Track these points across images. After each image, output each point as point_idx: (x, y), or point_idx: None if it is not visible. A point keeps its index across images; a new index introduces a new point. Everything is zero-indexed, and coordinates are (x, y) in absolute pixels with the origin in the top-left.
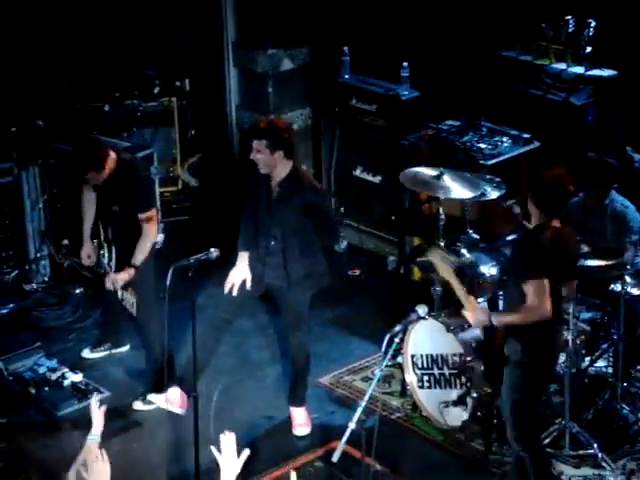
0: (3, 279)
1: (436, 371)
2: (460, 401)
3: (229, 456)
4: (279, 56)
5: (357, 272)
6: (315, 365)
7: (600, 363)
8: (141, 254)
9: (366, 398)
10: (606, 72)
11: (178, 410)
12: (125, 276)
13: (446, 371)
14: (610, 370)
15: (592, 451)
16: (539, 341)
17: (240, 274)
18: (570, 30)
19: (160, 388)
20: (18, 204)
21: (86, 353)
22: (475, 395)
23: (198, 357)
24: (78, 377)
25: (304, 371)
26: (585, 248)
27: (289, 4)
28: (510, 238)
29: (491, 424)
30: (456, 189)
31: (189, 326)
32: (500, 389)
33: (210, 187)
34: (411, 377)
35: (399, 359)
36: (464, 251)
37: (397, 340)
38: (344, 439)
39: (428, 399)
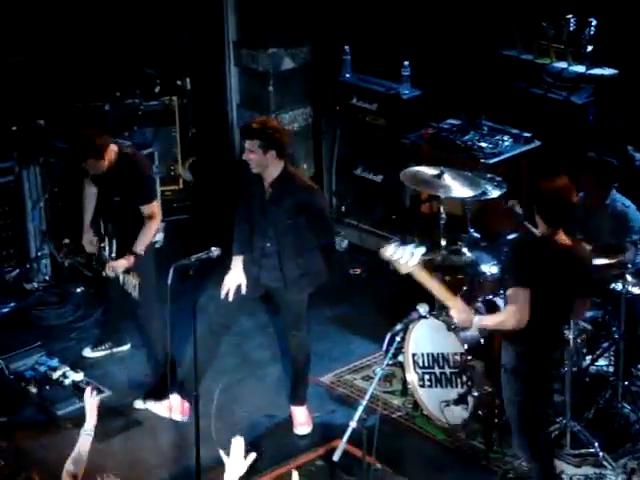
0: (4, 278)
1: (437, 370)
2: (461, 400)
3: (236, 460)
4: (280, 55)
5: (358, 271)
6: (316, 364)
7: (601, 362)
8: (142, 243)
9: (367, 397)
10: (607, 71)
11: (178, 417)
12: (124, 262)
13: (447, 370)
14: (611, 369)
15: (593, 450)
16: (531, 355)
17: (235, 278)
18: (571, 29)
19: (161, 390)
20: (19, 203)
21: (87, 352)
22: (476, 394)
23: (199, 361)
24: (79, 376)
25: (304, 370)
26: (586, 247)
27: (290, 3)
28: (511, 237)
29: (492, 423)
30: (457, 188)
31: (191, 326)
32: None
33: (211, 186)
34: (412, 376)
35: (400, 358)
36: (465, 250)
37: (398, 339)
38: (345, 438)
39: (429, 398)
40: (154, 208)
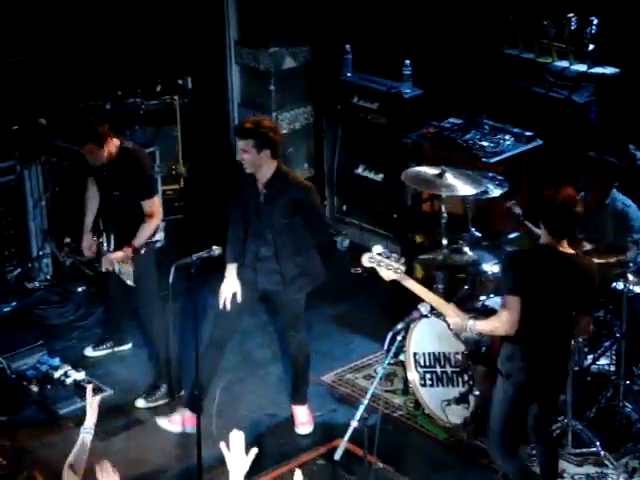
0: (6, 277)
1: (438, 369)
2: (462, 399)
3: (237, 454)
4: (281, 54)
5: (359, 270)
6: (317, 363)
7: (603, 361)
8: (141, 238)
9: (368, 396)
10: (609, 70)
11: (190, 430)
12: (122, 254)
13: (448, 369)
14: (613, 368)
15: (595, 449)
16: (527, 362)
17: (230, 287)
18: (572, 28)
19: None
20: (21, 202)
21: (88, 351)
22: (477, 393)
23: (203, 373)
24: (80, 375)
25: (305, 370)
26: (587, 246)
27: (291, 2)
28: (512, 236)
29: None
30: (458, 187)
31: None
32: None
33: (211, 185)
34: (413, 375)
35: (401, 357)
36: (466, 249)
37: (399, 338)
38: (346, 437)
39: (430, 397)
40: (155, 204)
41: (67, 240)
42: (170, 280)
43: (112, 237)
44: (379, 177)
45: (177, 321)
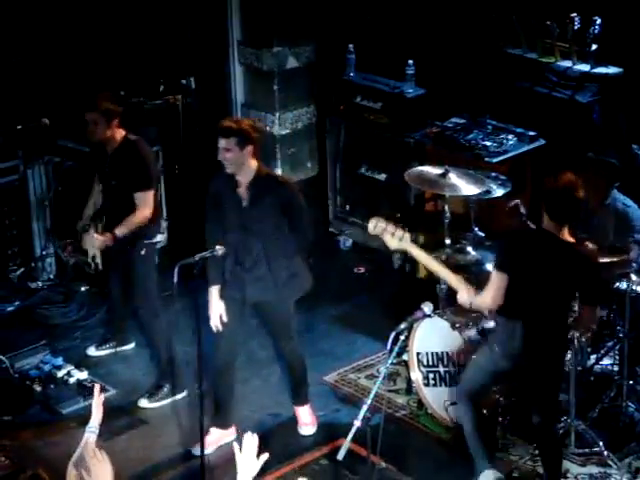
0: (9, 277)
1: (441, 369)
2: None
3: (248, 457)
4: (284, 54)
5: (362, 270)
6: (320, 363)
7: (606, 361)
8: (125, 227)
9: (371, 396)
10: (612, 70)
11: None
12: (102, 239)
13: (451, 369)
14: (616, 368)
15: (598, 449)
16: (502, 335)
17: (216, 309)
18: (576, 28)
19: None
20: (24, 202)
21: (91, 351)
22: None
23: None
24: (83, 375)
25: (302, 374)
26: (590, 245)
27: (294, 2)
28: None
29: (496, 422)
30: (461, 187)
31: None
32: (505, 388)
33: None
34: (416, 375)
35: (404, 357)
36: (469, 249)
37: (402, 338)
38: (349, 437)
39: (433, 397)
40: (147, 198)
41: (70, 240)
42: (175, 280)
43: (99, 226)
44: (382, 177)
45: (181, 321)
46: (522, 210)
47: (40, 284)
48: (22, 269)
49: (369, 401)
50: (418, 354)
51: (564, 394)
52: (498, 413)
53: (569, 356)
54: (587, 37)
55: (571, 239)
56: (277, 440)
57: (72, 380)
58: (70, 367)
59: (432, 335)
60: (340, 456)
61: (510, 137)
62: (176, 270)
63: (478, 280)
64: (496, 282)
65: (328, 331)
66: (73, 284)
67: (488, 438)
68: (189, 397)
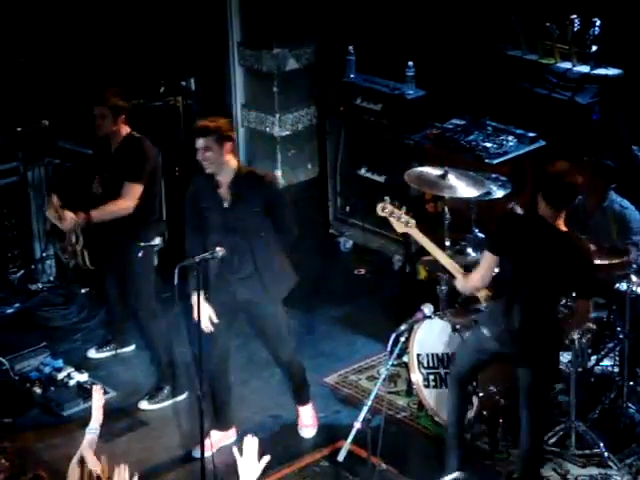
0: (9, 279)
1: (442, 370)
2: None
3: (249, 460)
4: (284, 56)
5: (362, 271)
6: (321, 364)
7: (606, 362)
8: (101, 212)
9: (372, 397)
10: (612, 71)
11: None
12: (72, 216)
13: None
14: (616, 369)
15: (598, 450)
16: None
17: (206, 312)
18: (575, 29)
19: (164, 391)
20: (24, 204)
21: (92, 353)
22: (481, 394)
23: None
24: (84, 377)
25: (302, 377)
26: (591, 247)
27: (294, 4)
28: None
29: (497, 423)
30: (461, 188)
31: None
32: (506, 389)
33: None
34: (417, 376)
35: (405, 358)
36: (469, 250)
37: (403, 339)
38: (350, 438)
39: (434, 398)
40: (134, 190)
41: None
42: (175, 281)
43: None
44: (382, 178)
45: (181, 322)
46: (519, 212)
47: (40, 286)
48: (22, 271)
49: (369, 402)
50: (418, 356)
51: (564, 395)
52: (499, 415)
53: (569, 357)
54: (587, 38)
55: (565, 228)
56: (277, 442)
57: (72, 382)
58: (70, 369)
59: (432, 337)
60: (340, 457)
61: (510, 138)
62: (176, 272)
63: None
64: (486, 262)
65: (328, 332)
66: (73, 286)
67: (464, 441)
68: (189, 399)
